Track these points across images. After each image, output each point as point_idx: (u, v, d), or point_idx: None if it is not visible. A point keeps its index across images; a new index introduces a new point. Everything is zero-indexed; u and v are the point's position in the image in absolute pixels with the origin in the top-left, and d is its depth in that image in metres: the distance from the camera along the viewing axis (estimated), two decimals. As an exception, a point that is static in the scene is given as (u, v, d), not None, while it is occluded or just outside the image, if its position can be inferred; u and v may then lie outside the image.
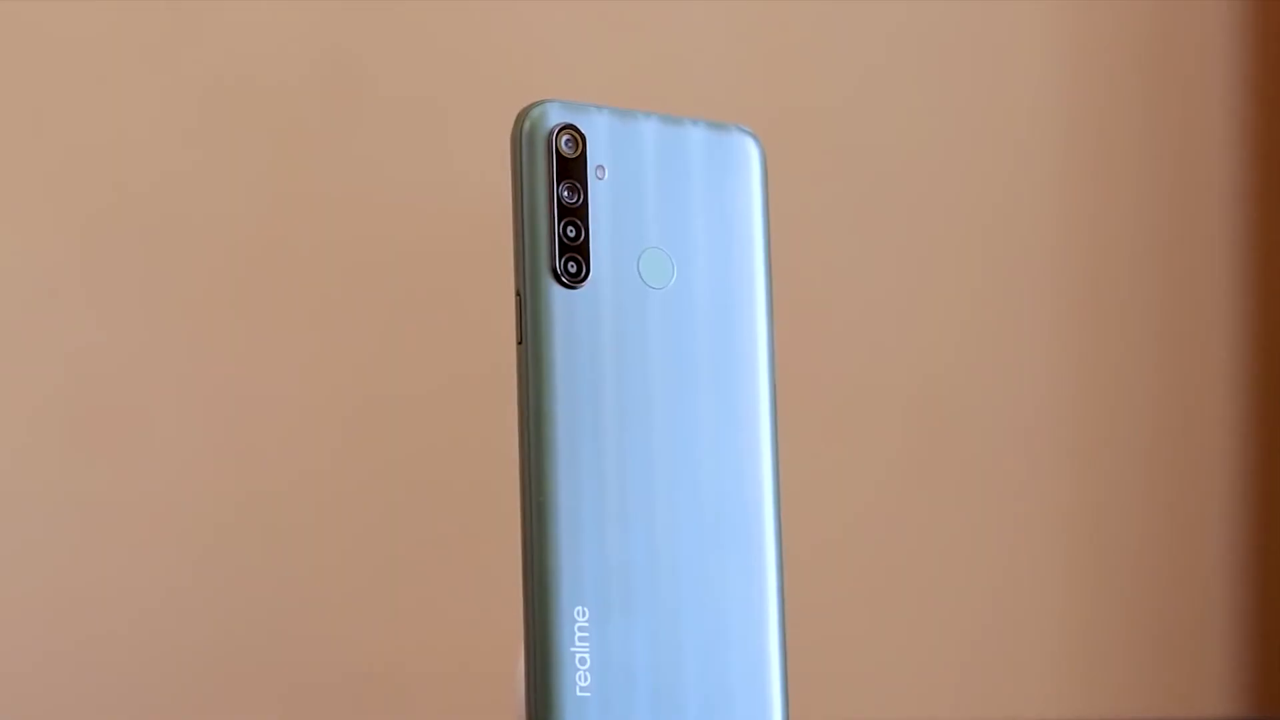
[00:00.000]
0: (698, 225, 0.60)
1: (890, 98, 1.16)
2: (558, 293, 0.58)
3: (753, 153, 0.61)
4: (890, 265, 1.15)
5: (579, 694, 0.57)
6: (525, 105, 0.59)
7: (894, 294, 1.15)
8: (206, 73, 1.02)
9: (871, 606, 1.14)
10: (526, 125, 0.58)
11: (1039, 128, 1.19)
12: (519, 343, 0.58)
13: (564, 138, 0.58)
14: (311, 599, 1.04)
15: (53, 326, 1.00)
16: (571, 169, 0.58)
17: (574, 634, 0.57)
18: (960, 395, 1.17)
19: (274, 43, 1.04)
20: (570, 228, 0.58)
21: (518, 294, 0.58)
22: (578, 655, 0.57)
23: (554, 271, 0.58)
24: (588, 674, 0.57)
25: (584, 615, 0.57)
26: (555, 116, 0.58)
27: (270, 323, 1.03)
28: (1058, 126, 1.19)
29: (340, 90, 1.05)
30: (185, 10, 1.02)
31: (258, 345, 1.03)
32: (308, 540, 1.04)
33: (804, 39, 1.15)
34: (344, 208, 1.05)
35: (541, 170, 0.58)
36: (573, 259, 0.58)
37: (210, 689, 1.02)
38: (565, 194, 0.58)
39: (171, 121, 1.02)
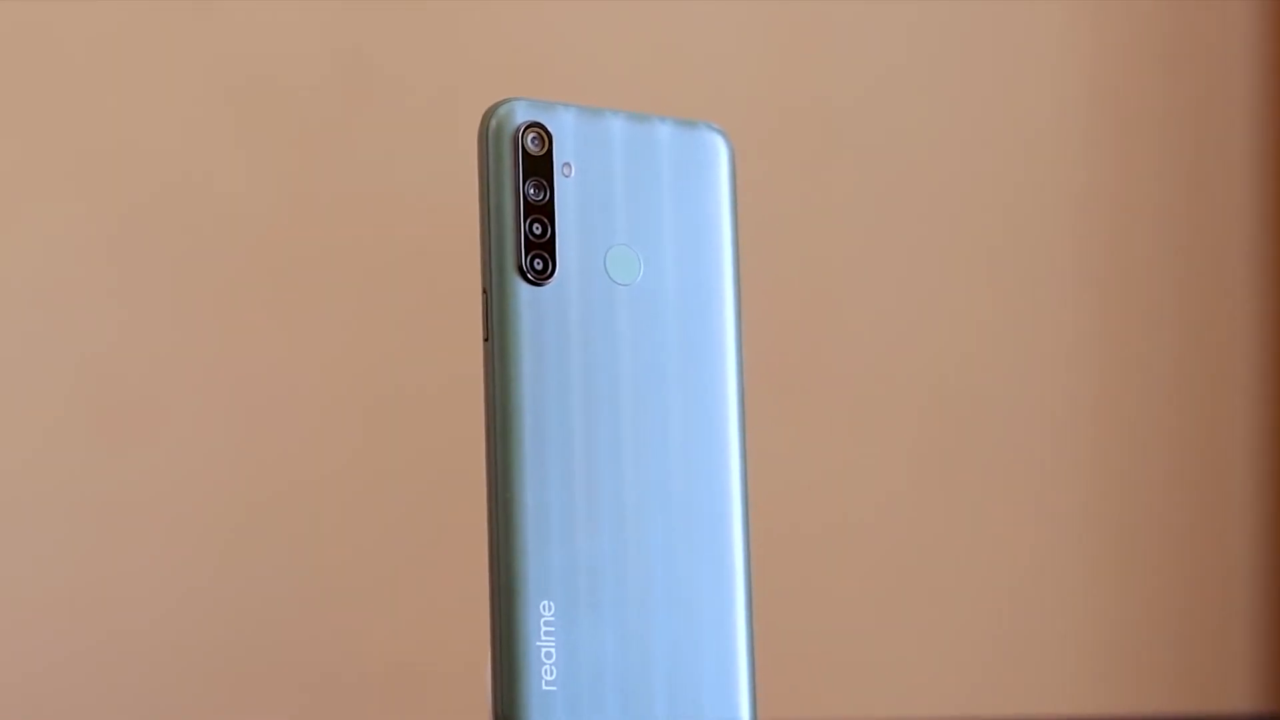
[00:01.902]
0: (665, 222, 0.60)
1: (910, 92, 1.16)
2: (524, 290, 0.58)
3: (721, 149, 0.61)
4: (910, 261, 1.15)
5: (545, 688, 0.57)
6: (492, 103, 0.59)
7: (915, 289, 1.15)
8: (230, 73, 1.03)
9: (892, 601, 1.14)
10: (492, 123, 0.59)
11: (1059, 120, 1.19)
12: (485, 340, 0.59)
13: (530, 135, 0.59)
14: (331, 596, 1.05)
15: (74, 324, 1.01)
16: (537, 167, 0.59)
17: (540, 628, 0.57)
18: (981, 390, 1.16)
19: (295, 44, 1.04)
20: (536, 225, 0.59)
21: (484, 291, 0.59)
22: (544, 649, 0.57)
23: (520, 269, 0.58)
24: (554, 668, 0.57)
25: (550, 610, 0.57)
26: (521, 115, 0.59)
27: (291, 321, 1.04)
28: (1078, 119, 1.19)
29: (361, 90, 1.05)
30: (208, 12, 1.03)
31: (278, 343, 1.04)
32: (327, 538, 1.04)
33: (828, 34, 1.14)
34: (365, 206, 1.05)
35: (507, 168, 0.59)
36: (538, 256, 0.58)
37: (229, 684, 1.03)
38: (531, 191, 0.59)
39: (195, 122, 1.03)
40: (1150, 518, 1.19)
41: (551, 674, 0.57)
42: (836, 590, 1.13)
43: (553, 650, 0.57)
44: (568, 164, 0.59)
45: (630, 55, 1.11)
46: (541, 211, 0.59)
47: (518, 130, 0.59)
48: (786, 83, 1.14)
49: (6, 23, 1.00)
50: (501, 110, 0.59)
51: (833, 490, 1.13)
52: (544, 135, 0.59)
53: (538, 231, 0.59)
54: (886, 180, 1.15)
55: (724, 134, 0.61)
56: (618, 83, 1.10)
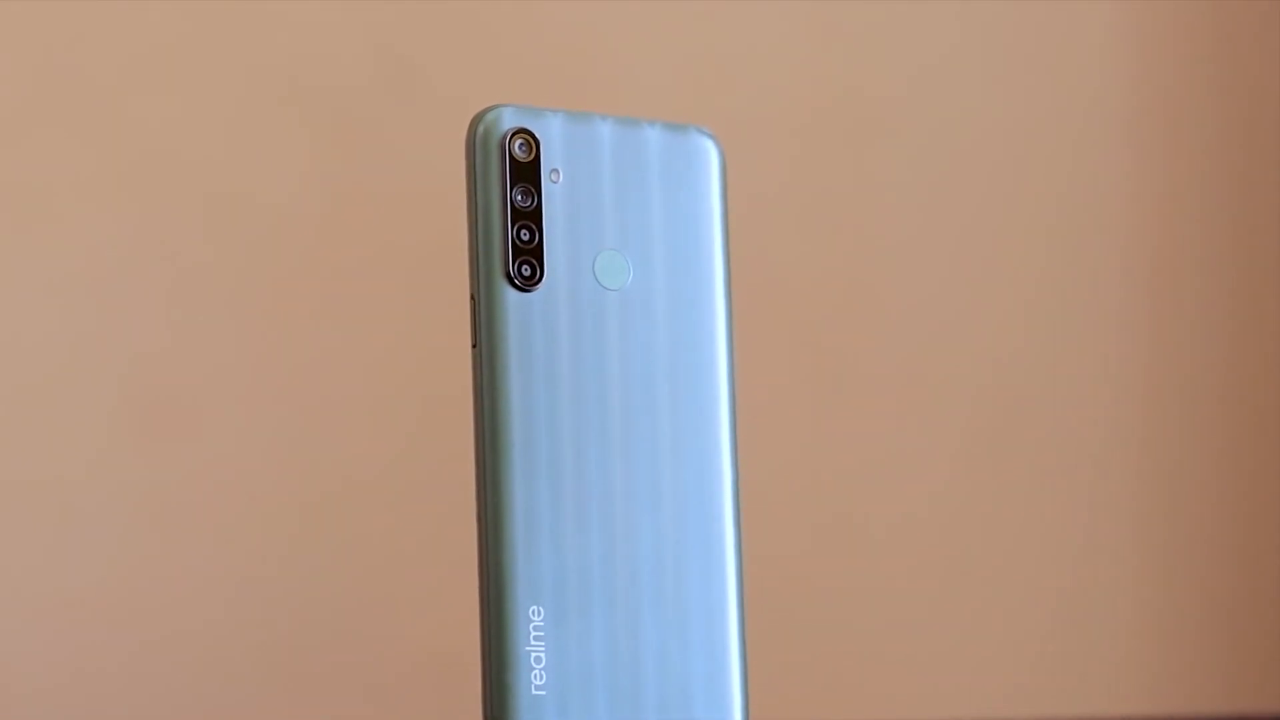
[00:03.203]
0: (655, 226, 0.60)
1: (959, 82, 1.15)
2: (511, 296, 0.59)
3: (711, 153, 0.61)
4: (960, 251, 1.15)
5: (534, 693, 0.57)
6: (480, 110, 0.59)
7: (964, 281, 1.15)
8: (280, 77, 1.04)
9: (940, 596, 1.14)
10: (480, 130, 0.59)
11: (1107, 109, 1.18)
12: (474, 346, 0.59)
13: (517, 142, 0.59)
14: (379, 596, 1.05)
15: (122, 327, 1.02)
16: (525, 173, 0.59)
17: (529, 633, 0.58)
18: (1029, 384, 1.16)
19: (346, 47, 1.05)
20: (524, 231, 0.59)
21: (472, 298, 0.59)
22: (533, 654, 0.57)
23: (507, 275, 0.59)
24: (543, 673, 0.57)
25: (539, 615, 0.58)
26: (508, 121, 0.59)
27: (338, 322, 1.04)
28: (1125, 108, 1.18)
29: (409, 93, 1.06)
30: (256, 15, 1.03)
31: (326, 344, 1.04)
32: (376, 537, 1.05)
33: (877, 25, 1.14)
34: (413, 209, 1.06)
35: (495, 174, 0.59)
36: (526, 262, 0.59)
37: (276, 683, 1.04)
38: (518, 198, 0.59)
39: (245, 125, 1.03)
40: (1200, 513, 1.18)
41: (541, 678, 0.57)
42: (883, 584, 1.13)
43: (542, 655, 0.57)
44: (555, 170, 0.59)
45: (670, 54, 1.11)
46: (529, 218, 0.59)
47: (505, 136, 0.59)
48: (838, 71, 1.13)
49: (59, 30, 1.01)
50: (489, 116, 0.59)
51: (880, 485, 1.13)
52: (531, 141, 0.59)
53: (525, 238, 0.59)
54: (933, 174, 1.14)
55: (713, 137, 0.61)
56: (659, 81, 1.10)
